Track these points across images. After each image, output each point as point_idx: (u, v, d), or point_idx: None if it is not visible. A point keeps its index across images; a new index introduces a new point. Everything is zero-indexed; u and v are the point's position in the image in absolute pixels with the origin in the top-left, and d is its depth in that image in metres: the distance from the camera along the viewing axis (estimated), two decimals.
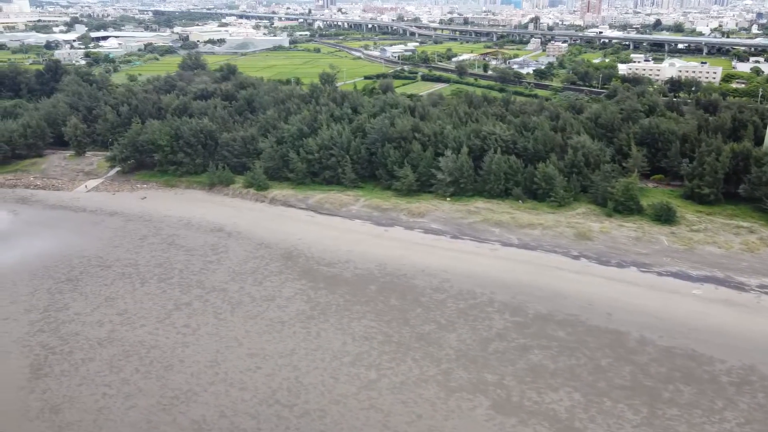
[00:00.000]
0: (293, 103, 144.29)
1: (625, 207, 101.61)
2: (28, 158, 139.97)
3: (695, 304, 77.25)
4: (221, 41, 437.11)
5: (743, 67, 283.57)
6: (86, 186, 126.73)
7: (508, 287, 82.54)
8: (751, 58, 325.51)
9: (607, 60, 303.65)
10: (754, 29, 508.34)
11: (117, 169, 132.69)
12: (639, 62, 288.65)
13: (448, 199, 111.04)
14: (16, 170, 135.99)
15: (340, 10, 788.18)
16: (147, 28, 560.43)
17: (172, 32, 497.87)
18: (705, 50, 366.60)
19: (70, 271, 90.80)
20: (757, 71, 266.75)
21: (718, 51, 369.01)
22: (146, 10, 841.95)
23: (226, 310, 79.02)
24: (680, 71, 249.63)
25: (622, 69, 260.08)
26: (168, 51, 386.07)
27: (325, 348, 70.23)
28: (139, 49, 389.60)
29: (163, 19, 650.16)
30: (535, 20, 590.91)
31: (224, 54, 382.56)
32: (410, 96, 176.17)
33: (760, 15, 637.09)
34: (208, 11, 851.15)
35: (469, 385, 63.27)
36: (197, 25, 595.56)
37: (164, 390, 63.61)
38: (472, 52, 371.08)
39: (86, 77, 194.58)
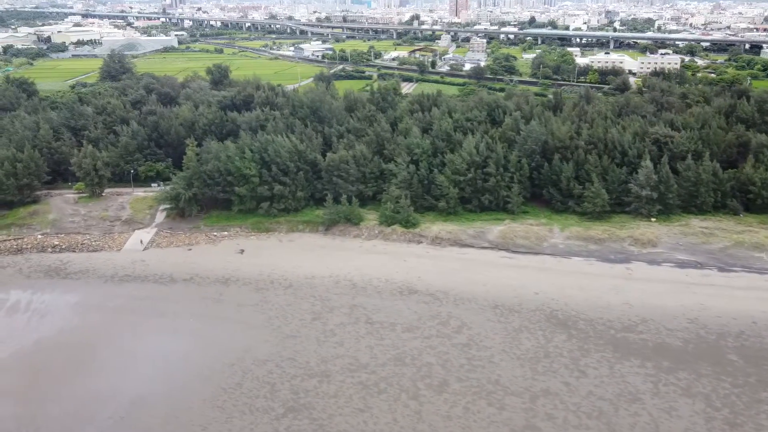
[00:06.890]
0: (368, 110, 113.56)
1: None
2: (21, 205, 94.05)
3: None
4: (95, 42, 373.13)
5: (655, 58, 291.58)
6: (141, 241, 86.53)
7: None
8: (659, 51, 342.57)
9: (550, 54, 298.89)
10: (617, 25, 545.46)
11: (165, 213, 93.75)
12: (586, 55, 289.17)
13: (653, 219, 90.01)
14: (9, 225, 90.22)
15: (200, 9, 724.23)
16: None
17: (21, 33, 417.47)
18: (612, 44, 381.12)
19: (273, 392, 56.25)
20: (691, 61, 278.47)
21: (620, 45, 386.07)
22: None
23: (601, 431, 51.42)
24: (642, 63, 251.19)
25: (583, 62, 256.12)
26: (38, 54, 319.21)
27: None
28: None
29: None
30: (417, 17, 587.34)
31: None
32: None
33: (609, 13, 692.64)
34: (37, 10, 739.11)
35: None
36: (40, 25, 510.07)
37: None
38: (395, 49, 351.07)
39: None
